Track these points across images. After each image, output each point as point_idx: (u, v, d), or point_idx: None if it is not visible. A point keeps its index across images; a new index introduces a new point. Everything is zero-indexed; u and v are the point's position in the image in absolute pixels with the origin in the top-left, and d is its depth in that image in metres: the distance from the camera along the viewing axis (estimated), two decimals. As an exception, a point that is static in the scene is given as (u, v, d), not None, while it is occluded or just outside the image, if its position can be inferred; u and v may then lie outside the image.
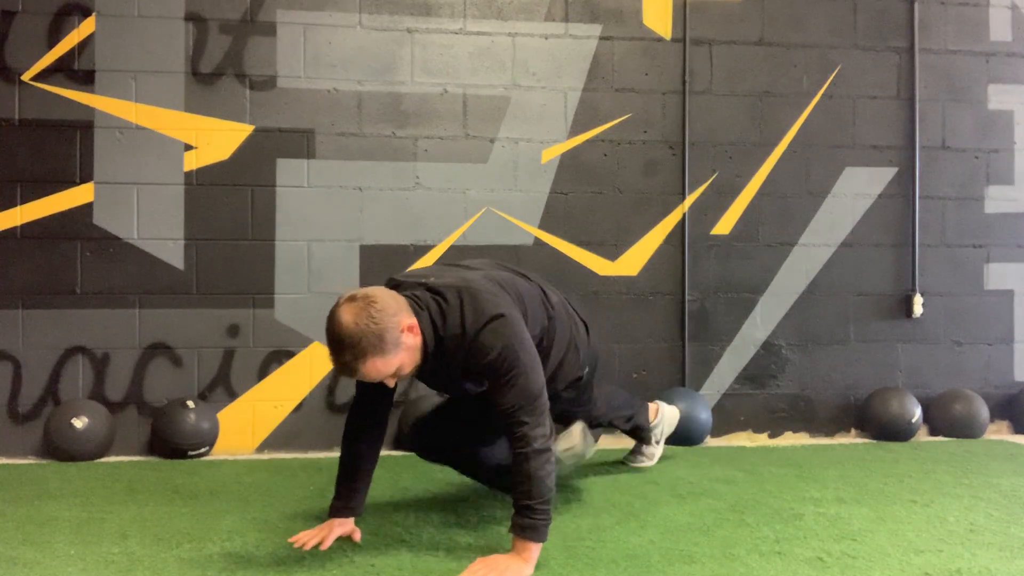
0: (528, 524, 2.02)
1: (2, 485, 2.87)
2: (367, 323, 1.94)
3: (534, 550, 2.04)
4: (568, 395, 2.52)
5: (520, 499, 2.03)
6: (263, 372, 3.51)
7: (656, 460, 3.21)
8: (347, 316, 1.95)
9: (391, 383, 2.09)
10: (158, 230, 3.45)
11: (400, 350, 2.00)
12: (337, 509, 2.29)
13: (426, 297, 2.11)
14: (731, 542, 2.28)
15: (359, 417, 2.31)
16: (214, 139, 3.48)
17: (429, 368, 2.13)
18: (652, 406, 3.19)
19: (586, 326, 2.57)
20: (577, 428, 2.74)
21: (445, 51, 3.64)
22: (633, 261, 3.75)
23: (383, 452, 3.44)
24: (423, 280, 2.16)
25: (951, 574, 2.03)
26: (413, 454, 3.42)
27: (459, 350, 2.09)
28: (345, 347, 1.96)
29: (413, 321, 2.03)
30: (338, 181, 3.56)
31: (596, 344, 2.64)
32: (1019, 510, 2.60)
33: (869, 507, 2.63)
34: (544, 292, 2.42)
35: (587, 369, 2.56)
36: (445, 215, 3.62)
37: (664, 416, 3.20)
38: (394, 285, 2.19)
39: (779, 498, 2.74)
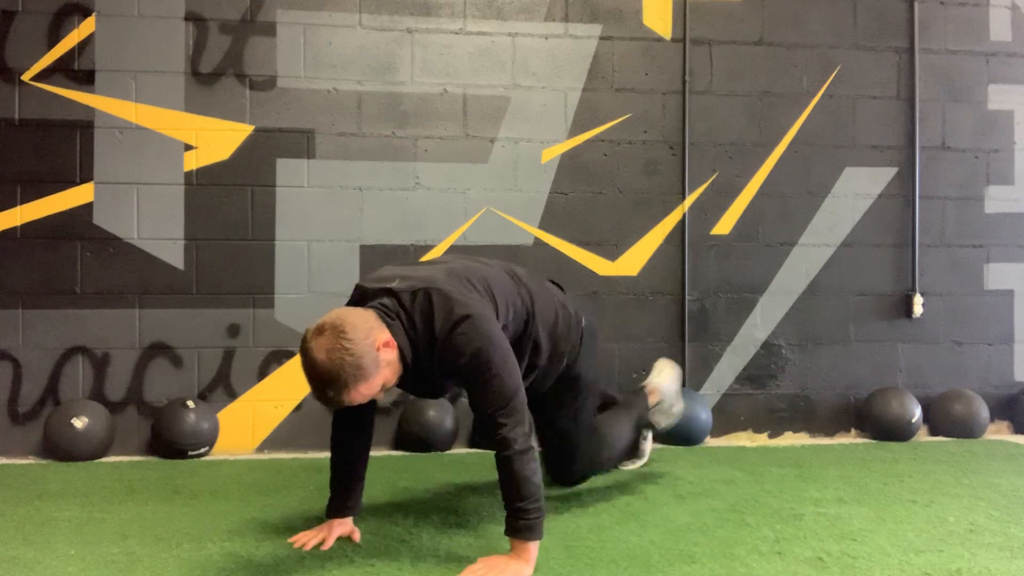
0: (523, 525, 2.02)
1: (2, 485, 2.87)
2: (342, 356, 1.89)
3: (532, 549, 2.04)
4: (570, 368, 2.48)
5: (511, 501, 2.03)
6: (263, 372, 3.51)
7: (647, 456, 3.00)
8: (320, 353, 1.89)
9: (380, 398, 2.07)
10: (158, 230, 3.45)
11: (381, 368, 1.97)
12: (334, 510, 2.28)
13: (393, 305, 2.06)
14: (731, 542, 2.27)
15: (345, 420, 2.29)
16: (214, 139, 3.48)
17: (410, 376, 2.10)
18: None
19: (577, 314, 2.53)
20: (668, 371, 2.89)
21: (445, 51, 3.64)
22: (633, 261, 3.74)
23: (384, 452, 3.48)
24: (388, 285, 2.11)
25: (951, 574, 2.03)
26: (413, 454, 3.45)
27: (432, 355, 2.06)
28: (326, 384, 1.91)
29: (387, 335, 1.99)
30: (338, 181, 3.56)
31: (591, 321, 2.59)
32: (1019, 510, 2.59)
33: (869, 507, 2.63)
34: (512, 271, 2.37)
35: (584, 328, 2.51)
36: (445, 215, 3.62)
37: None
38: (360, 294, 2.15)
39: (779, 498, 2.73)
